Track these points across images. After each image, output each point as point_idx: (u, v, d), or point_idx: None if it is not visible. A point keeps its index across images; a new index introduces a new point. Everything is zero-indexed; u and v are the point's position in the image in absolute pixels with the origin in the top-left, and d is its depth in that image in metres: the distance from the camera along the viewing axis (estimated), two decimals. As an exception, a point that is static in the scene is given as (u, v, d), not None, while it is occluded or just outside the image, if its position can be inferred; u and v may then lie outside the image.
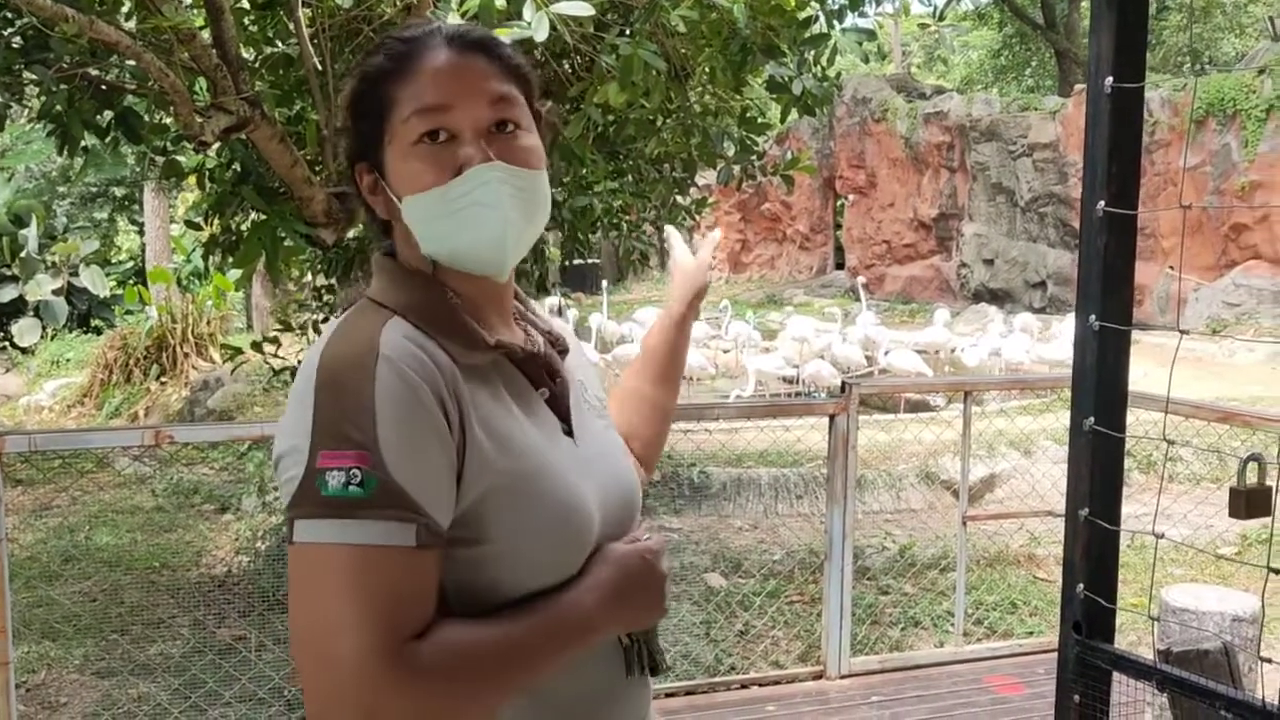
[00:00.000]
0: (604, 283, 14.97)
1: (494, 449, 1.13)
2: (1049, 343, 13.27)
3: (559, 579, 1.16)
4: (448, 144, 1.18)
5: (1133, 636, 5.00)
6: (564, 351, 1.34)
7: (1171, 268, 16.65)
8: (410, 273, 1.23)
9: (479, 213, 1.17)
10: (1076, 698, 1.78)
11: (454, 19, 3.23)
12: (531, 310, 1.37)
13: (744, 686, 4.34)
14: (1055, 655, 1.85)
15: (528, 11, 3.33)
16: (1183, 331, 1.65)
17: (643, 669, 1.27)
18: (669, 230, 1.73)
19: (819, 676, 4.35)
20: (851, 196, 24.08)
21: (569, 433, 1.25)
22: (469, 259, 1.20)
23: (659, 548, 1.25)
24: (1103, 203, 1.69)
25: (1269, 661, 1.52)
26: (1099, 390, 1.74)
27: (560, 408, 1.27)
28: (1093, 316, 1.72)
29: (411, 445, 1.07)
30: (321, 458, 1.05)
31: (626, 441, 1.52)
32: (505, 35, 3.11)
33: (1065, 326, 13.81)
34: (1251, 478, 1.87)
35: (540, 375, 1.25)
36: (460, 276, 1.22)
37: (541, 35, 3.28)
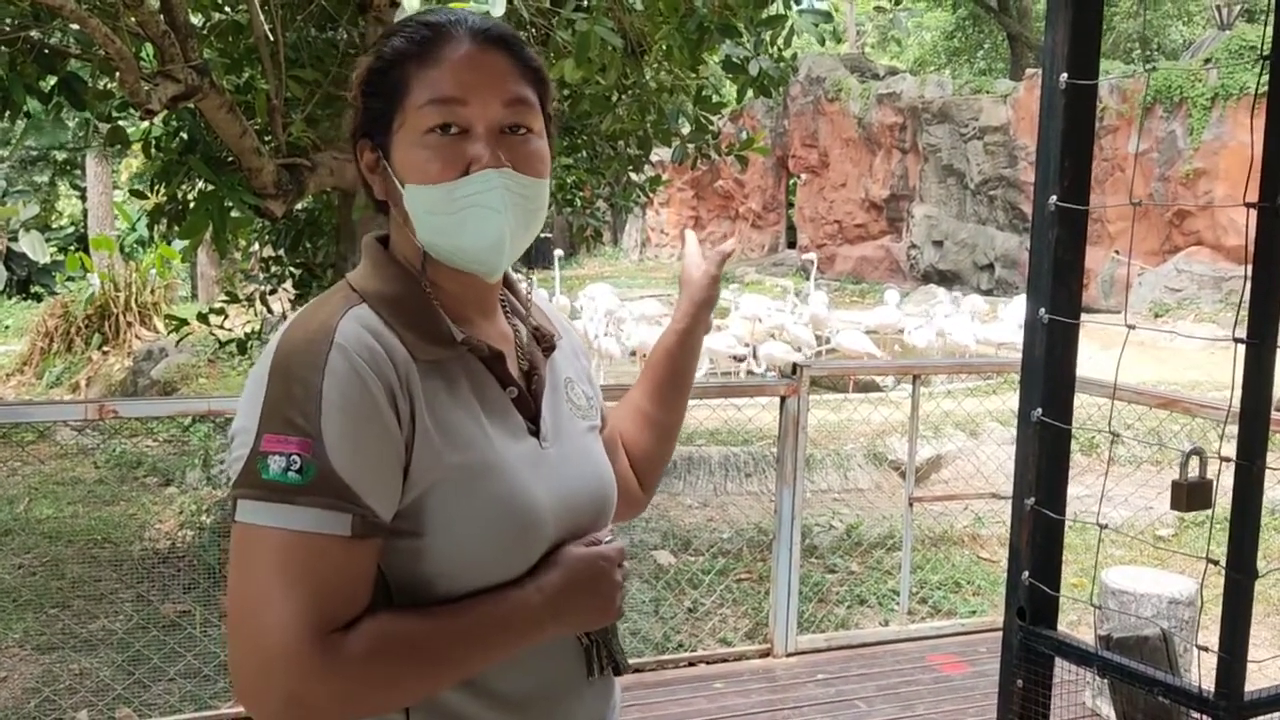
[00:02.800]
0: (556, 254, 14.87)
1: (443, 444, 1.14)
2: (993, 324, 13.46)
3: (504, 577, 1.17)
4: (459, 138, 1.17)
5: (1073, 615, 5.10)
6: (550, 349, 1.32)
7: (1118, 252, 16.92)
8: (391, 261, 1.24)
9: (481, 215, 1.17)
10: (1020, 682, 1.81)
11: (409, -8, 3.18)
12: (524, 303, 1.36)
13: (692, 664, 4.38)
14: (996, 635, 1.89)
15: (484, -14, 3.29)
16: (1130, 326, 1.68)
17: (602, 669, 1.27)
18: (687, 235, 1.66)
19: (766, 654, 4.40)
20: (804, 175, 24.17)
21: (535, 433, 1.24)
22: (464, 258, 1.20)
23: (614, 554, 1.25)
24: (1054, 197, 1.71)
25: (1206, 650, 1.55)
26: (1047, 381, 1.77)
27: (528, 408, 1.25)
28: (1042, 309, 1.74)
29: (355, 436, 1.08)
30: (265, 441, 1.08)
31: (627, 453, 1.51)
32: (461, 8, 3.07)
33: (1011, 309, 14.01)
34: (1193, 471, 1.92)
35: (507, 374, 1.24)
36: (447, 270, 1.22)
37: (499, 10, 3.24)
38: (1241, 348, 1.49)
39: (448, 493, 1.14)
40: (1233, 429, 1.55)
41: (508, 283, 1.35)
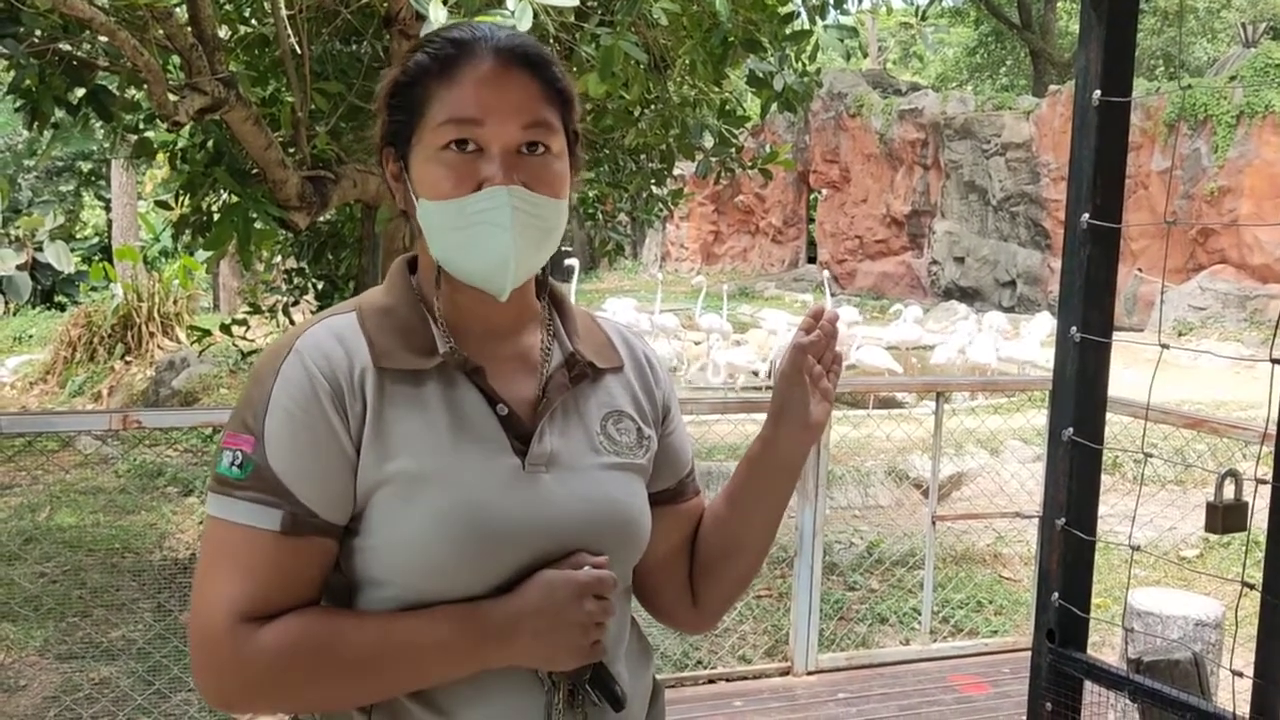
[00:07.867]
0: (572, 263, 14.86)
1: (389, 449, 1.15)
2: (1015, 342, 13.40)
3: (462, 590, 1.15)
4: (474, 156, 1.17)
5: (1095, 637, 5.05)
6: (580, 376, 1.27)
7: (1140, 270, 16.81)
8: (401, 275, 1.27)
9: (488, 232, 1.16)
10: (1049, 705, 1.79)
11: (436, 7, 3.19)
12: (573, 327, 1.32)
13: (711, 681, 4.35)
14: (1019, 655, 1.87)
15: (511, 0, 3.29)
16: (1164, 346, 1.66)
17: (574, 707, 1.20)
18: (793, 344, 1.32)
19: (786, 672, 4.37)
20: (825, 191, 24.16)
21: (521, 453, 1.20)
22: (470, 275, 1.21)
23: (587, 580, 1.16)
24: (1087, 215, 1.69)
25: (1240, 675, 1.53)
26: (1079, 401, 1.75)
27: (520, 428, 1.21)
28: (1074, 328, 1.72)
29: (294, 436, 1.13)
30: (226, 437, 1.15)
31: (693, 548, 1.43)
32: (487, 22, 3.07)
33: (1033, 326, 13.95)
34: (1228, 493, 1.89)
35: (494, 392, 1.21)
36: (461, 284, 1.22)
37: (525, 25, 3.24)
38: (1278, 369, 1.47)
39: (390, 496, 1.14)
40: (1265, 449, 1.52)
41: (558, 304, 1.34)
